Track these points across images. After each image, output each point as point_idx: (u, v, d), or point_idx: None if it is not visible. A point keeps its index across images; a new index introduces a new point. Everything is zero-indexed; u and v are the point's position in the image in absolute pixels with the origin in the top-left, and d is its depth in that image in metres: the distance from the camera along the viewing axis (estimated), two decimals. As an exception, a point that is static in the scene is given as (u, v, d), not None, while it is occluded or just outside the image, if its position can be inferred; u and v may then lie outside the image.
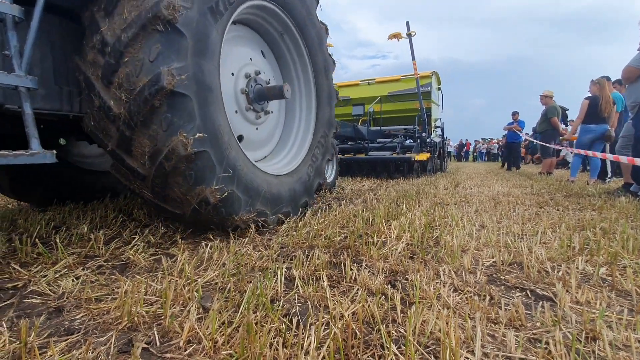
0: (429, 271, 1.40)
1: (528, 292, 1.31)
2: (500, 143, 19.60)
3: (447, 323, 0.95)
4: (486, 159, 28.77)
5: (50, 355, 0.86)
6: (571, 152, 6.84)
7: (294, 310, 1.10)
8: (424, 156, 6.33)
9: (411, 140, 7.30)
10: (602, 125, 5.76)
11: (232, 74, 2.23)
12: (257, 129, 2.51)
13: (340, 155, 6.86)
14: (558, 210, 3.08)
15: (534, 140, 9.26)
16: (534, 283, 1.39)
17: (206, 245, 1.77)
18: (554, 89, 9.40)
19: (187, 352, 0.90)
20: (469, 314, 1.05)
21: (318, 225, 2.16)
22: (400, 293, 1.17)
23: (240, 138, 2.32)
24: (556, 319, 1.08)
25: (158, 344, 0.94)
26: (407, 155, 6.27)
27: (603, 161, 6.44)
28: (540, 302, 1.22)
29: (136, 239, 1.92)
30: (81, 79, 1.67)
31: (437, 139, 8.95)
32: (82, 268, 1.48)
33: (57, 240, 1.78)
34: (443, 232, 1.98)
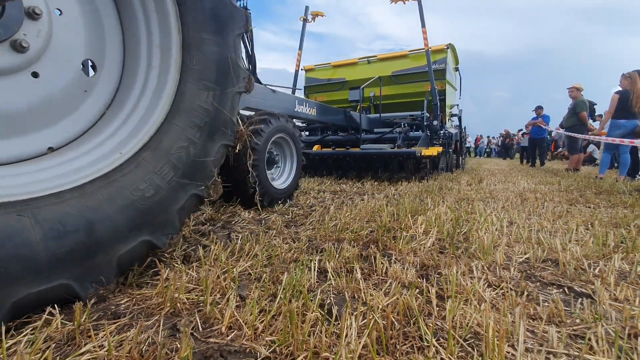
0: (462, 266, 1.39)
1: (565, 289, 1.28)
2: (518, 140, 18.91)
3: (485, 317, 0.94)
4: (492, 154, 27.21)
5: (103, 336, 0.90)
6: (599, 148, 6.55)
7: (328, 301, 1.11)
8: (434, 150, 4.67)
9: (419, 131, 5.77)
10: (632, 120, 5.51)
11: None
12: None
13: (316, 149, 5.60)
14: (589, 207, 2.98)
15: (565, 132, 8.17)
16: (571, 280, 1.36)
17: (236, 237, 1.81)
18: (581, 82, 8.52)
19: (229, 337, 0.93)
20: (507, 309, 1.04)
21: (344, 218, 2.17)
22: (435, 287, 1.17)
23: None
24: (597, 316, 1.06)
25: (201, 329, 0.97)
26: (412, 149, 4.81)
27: (633, 158, 6.17)
28: (579, 299, 1.19)
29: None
30: None
31: (453, 130, 7.34)
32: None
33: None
34: (472, 227, 1.95)
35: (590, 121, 8.71)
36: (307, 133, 6.60)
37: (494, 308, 1.09)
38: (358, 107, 6.58)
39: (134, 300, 1.15)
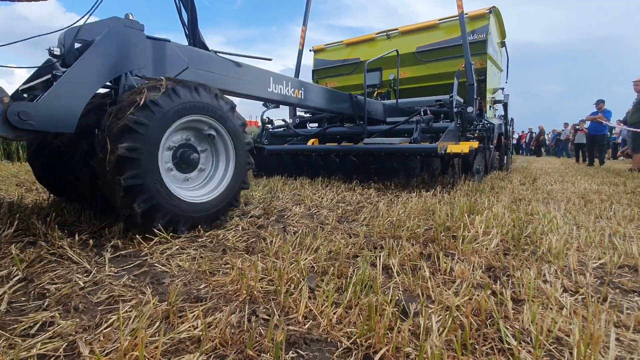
0: (532, 269, 1.33)
1: (651, 298, 1.19)
2: (570, 137, 17.41)
3: (578, 323, 0.90)
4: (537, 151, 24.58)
5: (192, 317, 0.98)
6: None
7: (397, 297, 1.12)
8: (464, 146, 3.38)
9: (445, 120, 4.44)
10: None
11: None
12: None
13: (292, 145, 4.65)
14: (666, 211, 2.71)
15: (629, 128, 7.05)
16: (656, 289, 1.26)
17: (294, 231, 1.87)
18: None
19: (306, 326, 0.97)
20: (592, 316, 0.99)
21: (397, 216, 2.16)
22: (508, 289, 1.13)
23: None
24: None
25: (275, 318, 1.02)
26: (432, 144, 3.57)
27: None
28: (670, 310, 1.10)
29: (229, 223, 2.09)
30: None
31: (496, 121, 5.73)
32: (193, 248, 1.65)
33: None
34: (536, 229, 1.86)
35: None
36: (316, 125, 5.57)
37: (575, 314, 1.03)
38: (375, 93, 5.58)
39: (211, 286, 1.23)
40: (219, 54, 2.65)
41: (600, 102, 9.61)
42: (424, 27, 5.57)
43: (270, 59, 3.13)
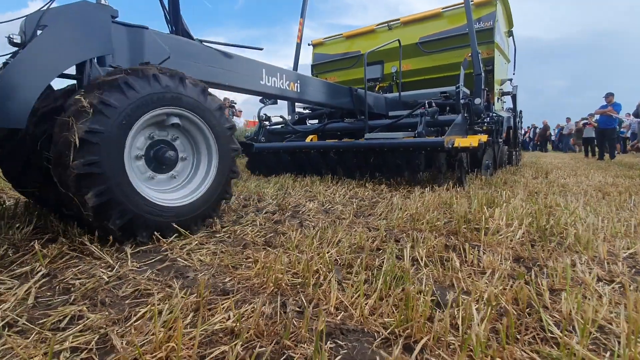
0: (562, 259, 1.30)
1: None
2: (572, 131, 17.18)
3: (630, 311, 0.87)
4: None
5: (223, 308, 0.96)
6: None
7: (427, 288, 1.10)
8: (473, 140, 3.18)
9: (450, 113, 4.21)
10: None
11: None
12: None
13: (289, 142, 4.46)
14: (687, 202, 2.66)
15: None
16: (693, 278, 1.22)
17: (312, 226, 1.85)
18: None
19: (338, 317, 0.95)
20: (634, 304, 0.96)
21: (414, 210, 2.13)
22: (544, 279, 1.10)
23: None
24: None
25: (310, 308, 1.00)
26: (438, 138, 3.36)
27: None
28: None
29: (245, 218, 2.08)
30: None
31: (505, 114, 5.48)
32: (212, 243, 1.64)
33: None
34: (559, 221, 1.82)
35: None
36: (316, 121, 5.37)
37: (614, 303, 1.00)
38: (377, 87, 5.31)
39: (236, 279, 1.21)
40: (205, 44, 2.42)
41: (609, 95, 9.48)
42: (427, 17, 5.25)
43: (261, 49, 2.85)
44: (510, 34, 5.96)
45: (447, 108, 4.28)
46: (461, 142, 3.16)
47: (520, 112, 6.73)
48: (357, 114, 4.28)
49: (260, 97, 4.13)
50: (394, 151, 3.44)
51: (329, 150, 3.84)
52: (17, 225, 1.74)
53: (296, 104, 5.43)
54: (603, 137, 9.69)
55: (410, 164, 3.44)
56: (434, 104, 3.94)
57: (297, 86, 3.27)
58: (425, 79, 5.26)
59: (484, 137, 3.33)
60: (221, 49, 2.54)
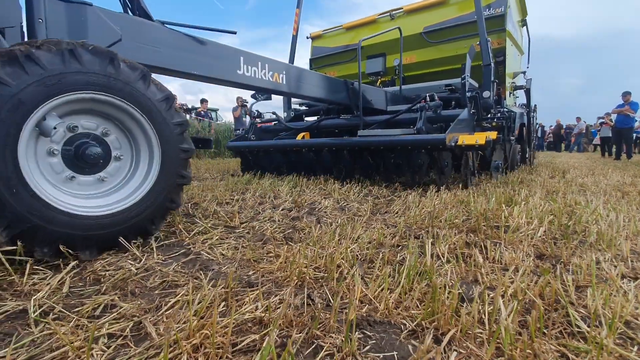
0: (587, 256, 1.29)
1: None
2: (582, 131, 16.87)
3: (635, 307, 0.87)
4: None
5: (251, 299, 0.99)
6: None
7: (451, 283, 1.10)
8: (480, 137, 2.83)
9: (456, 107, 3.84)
10: None
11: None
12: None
13: (276, 141, 4.16)
14: None
15: None
16: None
17: (329, 223, 1.87)
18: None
19: (363, 310, 0.96)
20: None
21: (433, 207, 2.12)
22: (569, 275, 1.10)
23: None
24: None
25: (333, 302, 1.02)
26: (439, 134, 2.98)
27: None
28: None
29: (262, 214, 2.11)
30: None
31: (518, 110, 5.06)
32: (232, 238, 1.67)
33: (200, 215, 2.04)
34: (580, 219, 1.80)
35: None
36: (315, 118, 4.98)
37: (639, 299, 1.00)
38: (379, 82, 4.94)
39: (260, 272, 1.24)
40: (167, 26, 2.11)
41: (627, 94, 9.26)
42: (432, 4, 4.84)
43: (234, 32, 2.55)
44: (523, 23, 5.50)
45: (453, 103, 3.90)
46: (466, 139, 2.85)
47: (535, 107, 6.15)
48: (353, 109, 3.86)
49: (253, 93, 3.83)
50: (392, 150, 3.17)
51: (322, 149, 3.59)
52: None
53: (293, 99, 5.10)
54: (620, 136, 9.47)
55: (411, 163, 3.15)
56: (436, 97, 3.53)
57: (282, 77, 2.88)
58: (431, 72, 4.90)
59: (493, 134, 2.93)
60: (188, 32, 2.21)
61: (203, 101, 11.32)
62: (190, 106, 10.83)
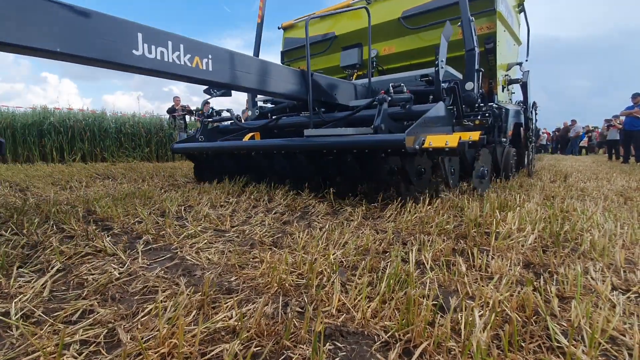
0: (575, 266, 1.26)
1: None
2: (579, 134, 16.66)
3: (622, 322, 0.84)
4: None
5: (226, 307, 0.98)
6: None
7: (431, 292, 1.08)
8: (452, 139, 2.24)
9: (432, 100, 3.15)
10: None
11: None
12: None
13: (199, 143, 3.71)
14: None
15: None
16: None
17: (320, 227, 1.85)
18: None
19: (339, 319, 0.95)
20: (648, 315, 0.92)
21: (424, 212, 2.10)
22: (553, 286, 1.08)
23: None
24: None
25: (311, 310, 1.00)
26: (397, 134, 2.25)
27: None
28: None
29: (254, 218, 2.10)
30: None
31: (513, 107, 4.29)
32: (220, 242, 1.66)
33: (190, 219, 2.04)
34: (574, 226, 1.76)
35: None
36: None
37: (629, 313, 0.97)
38: (354, 76, 4.36)
39: (242, 278, 1.23)
40: None
41: (637, 96, 9.10)
42: None
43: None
44: (521, 9, 4.87)
45: (431, 97, 3.18)
46: (434, 140, 2.27)
47: (534, 104, 5.09)
48: (315, 105, 3.22)
49: (206, 87, 3.17)
50: (344, 153, 2.54)
51: (270, 151, 3.03)
52: (37, 221, 1.82)
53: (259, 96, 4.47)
54: (629, 139, 9.31)
55: (375, 170, 2.58)
56: (406, 90, 2.86)
57: (207, 63, 2.31)
58: (413, 64, 4.29)
59: (475, 135, 2.37)
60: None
61: (206, 103, 11.40)
62: (194, 108, 10.89)
